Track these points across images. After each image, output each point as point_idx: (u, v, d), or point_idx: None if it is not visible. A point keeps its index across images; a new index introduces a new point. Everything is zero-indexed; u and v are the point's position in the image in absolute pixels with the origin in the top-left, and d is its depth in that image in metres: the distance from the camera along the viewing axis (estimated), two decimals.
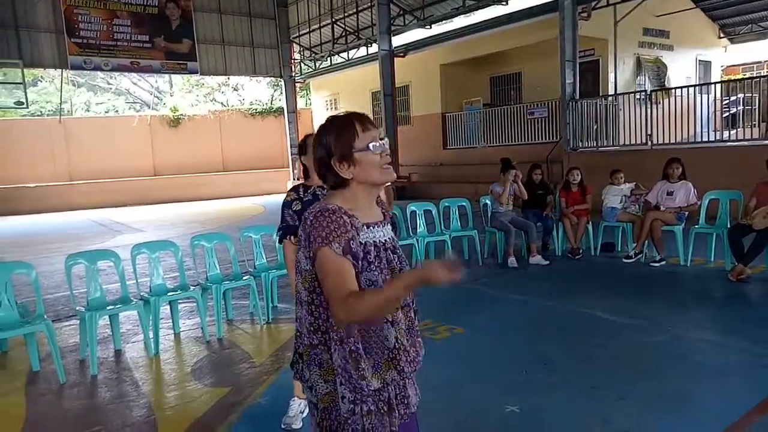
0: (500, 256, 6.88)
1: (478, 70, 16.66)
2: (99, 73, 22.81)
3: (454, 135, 16.67)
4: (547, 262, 6.57)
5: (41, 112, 25.59)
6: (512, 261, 6.50)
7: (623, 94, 12.04)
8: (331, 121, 1.54)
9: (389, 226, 1.61)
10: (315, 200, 2.95)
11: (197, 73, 19.10)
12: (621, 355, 3.82)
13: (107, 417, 3.25)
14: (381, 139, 1.52)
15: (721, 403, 3.02)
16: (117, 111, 28.70)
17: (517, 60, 15.50)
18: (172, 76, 25.16)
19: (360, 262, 1.46)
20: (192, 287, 4.73)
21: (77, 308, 4.18)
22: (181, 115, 21.97)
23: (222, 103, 29.11)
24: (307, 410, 3.15)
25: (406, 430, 1.59)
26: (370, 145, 1.49)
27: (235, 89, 30.82)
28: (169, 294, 4.58)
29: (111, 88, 30.48)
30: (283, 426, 3.08)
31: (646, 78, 14.37)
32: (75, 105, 27.45)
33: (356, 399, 1.47)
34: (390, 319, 1.51)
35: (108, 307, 4.24)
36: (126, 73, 23.60)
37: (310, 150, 2.95)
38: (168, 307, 4.77)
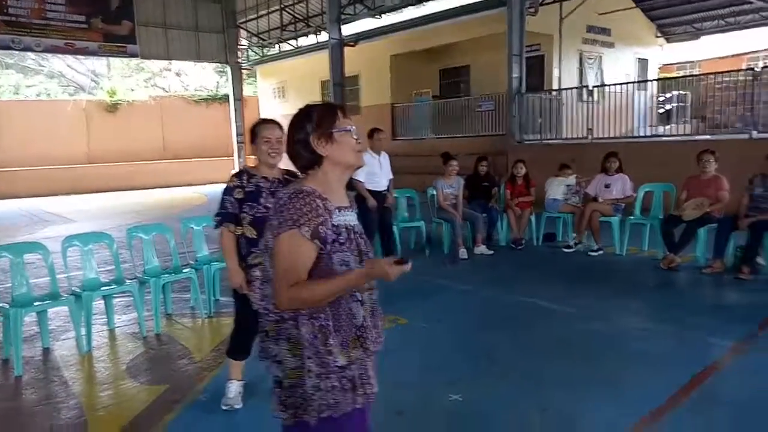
0: (447, 246, 6.96)
1: (427, 61, 16.74)
2: (30, 54, 21.49)
3: (403, 126, 16.71)
4: (492, 252, 6.68)
5: None
6: (462, 252, 6.56)
7: (567, 89, 12.39)
8: (314, 105, 1.63)
9: (355, 213, 1.67)
10: (258, 192, 2.87)
11: (137, 56, 18.26)
12: (560, 342, 3.93)
13: (33, 420, 3.08)
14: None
15: (650, 386, 3.15)
16: (50, 95, 27.15)
17: (466, 53, 15.67)
18: (111, 59, 24.01)
19: (331, 245, 1.51)
20: (128, 281, 4.53)
21: (0, 305, 3.92)
22: (120, 100, 21.03)
23: (164, 88, 28.05)
24: (243, 390, 3.10)
25: (363, 417, 1.63)
26: (350, 127, 1.61)
27: (177, 74, 29.75)
28: (102, 288, 4.36)
29: (43, 70, 28.78)
30: (224, 407, 3.04)
31: (585, 74, 14.83)
32: (2, 87, 25.78)
33: (321, 374, 1.51)
34: (359, 299, 1.57)
35: (35, 303, 4.00)
36: (60, 55, 22.30)
37: (259, 137, 2.88)
38: (102, 302, 4.56)
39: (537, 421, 2.86)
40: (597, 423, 2.81)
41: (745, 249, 5.25)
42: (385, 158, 6.33)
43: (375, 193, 6.13)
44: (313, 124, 1.57)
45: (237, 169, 2.99)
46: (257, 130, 2.90)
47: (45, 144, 18.66)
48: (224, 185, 2.94)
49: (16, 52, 17.96)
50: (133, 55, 18.14)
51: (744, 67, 15.74)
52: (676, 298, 4.97)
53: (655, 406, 2.91)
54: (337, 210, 1.54)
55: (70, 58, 25.97)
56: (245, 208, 2.86)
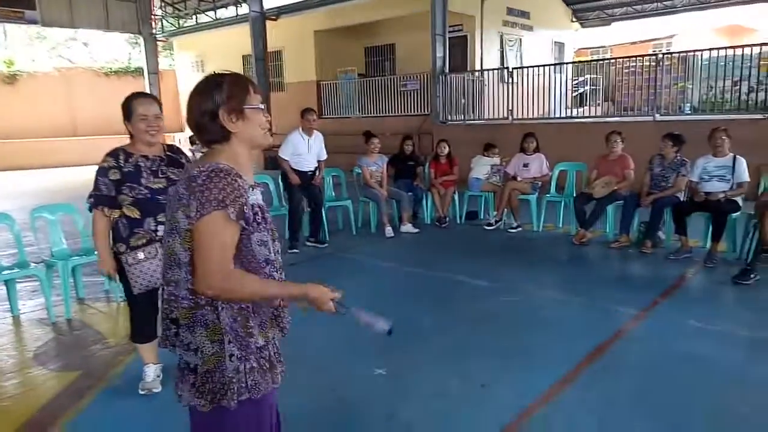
0: (373, 225, 7.01)
1: (353, 39, 16.57)
2: None
3: (329, 104, 16.52)
4: (417, 230, 6.80)
5: None
6: (389, 230, 6.62)
7: (488, 70, 12.70)
8: (222, 75, 1.52)
9: (260, 192, 1.61)
10: (137, 172, 2.72)
11: (37, 23, 16.72)
12: (481, 316, 4.09)
13: None
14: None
15: (561, 353, 3.36)
16: None
17: (391, 31, 15.65)
18: (7, 26, 21.92)
19: (251, 225, 1.46)
20: (34, 264, 4.23)
21: None
22: (19, 71, 19.33)
23: (69, 59, 26.05)
24: (161, 374, 3.01)
25: (274, 396, 1.62)
26: (261, 105, 1.53)
27: (85, 44, 27.72)
28: (4, 273, 4.05)
29: None
30: (142, 392, 2.96)
31: (506, 55, 15.28)
32: None
33: (242, 356, 1.47)
34: (276, 279, 1.54)
35: None
36: None
37: (135, 115, 2.71)
38: (4, 287, 4.23)
39: (457, 390, 2.98)
40: (514, 389, 2.96)
41: (647, 225, 5.66)
42: (316, 139, 6.26)
43: (301, 173, 6.06)
44: (223, 96, 1.47)
45: (112, 149, 2.77)
46: (132, 107, 2.72)
47: None
48: (98, 166, 2.74)
49: None
50: (32, 22, 16.58)
51: (650, 52, 16.83)
52: (587, 271, 5.30)
53: (566, 371, 3.11)
54: (250, 188, 1.49)
55: None
56: (124, 189, 2.70)
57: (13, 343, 3.80)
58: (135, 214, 2.72)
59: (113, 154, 2.75)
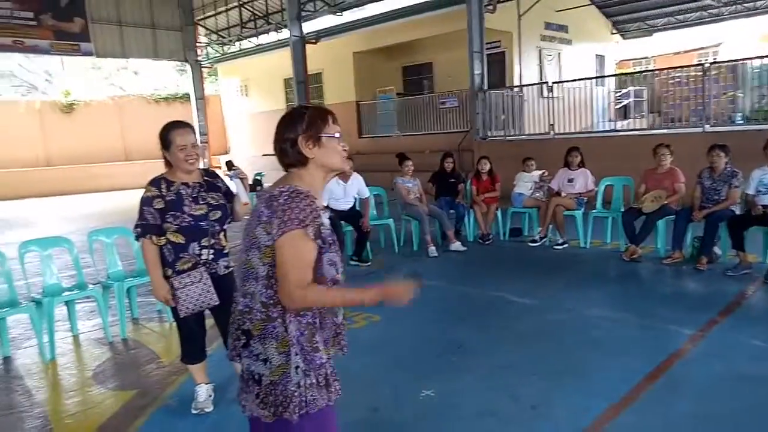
0: (416, 243, 7.00)
1: (390, 59, 16.77)
2: None
3: (368, 124, 16.71)
4: (465, 248, 6.70)
5: None
6: (432, 250, 6.56)
7: (527, 85, 12.61)
8: (306, 107, 1.68)
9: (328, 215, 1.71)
10: (179, 200, 2.78)
11: (92, 54, 17.65)
12: (528, 335, 4.01)
13: None
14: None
15: (617, 374, 3.25)
16: (0, 95, 26.04)
17: (428, 50, 15.76)
18: (65, 58, 23.16)
19: (326, 244, 1.57)
20: (91, 285, 4.41)
21: None
22: (76, 100, 20.35)
23: (122, 87, 27.26)
24: (213, 394, 3.07)
25: (334, 413, 1.67)
26: (337, 134, 1.66)
27: (135, 73, 28.97)
28: (64, 294, 4.23)
29: None
30: (194, 411, 3.01)
31: (545, 70, 15.13)
32: None
33: (306, 370, 1.55)
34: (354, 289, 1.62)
35: None
36: (8, 53, 21.39)
37: (174, 145, 2.78)
38: (65, 307, 4.42)
39: (509, 412, 2.92)
40: (567, 411, 2.88)
41: (702, 240, 5.46)
42: (353, 183, 6.42)
43: (339, 211, 6.20)
44: (303, 125, 1.61)
45: (153, 178, 2.86)
46: (170, 137, 2.78)
47: None
48: (142, 195, 2.81)
49: None
50: (87, 54, 17.53)
51: (695, 62, 16.37)
52: (639, 289, 5.13)
53: (622, 394, 3.01)
54: (321, 211, 1.59)
55: (21, 57, 24.94)
56: (168, 218, 2.76)
57: (74, 362, 3.95)
58: (179, 239, 2.79)
59: (155, 183, 2.81)
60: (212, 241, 2.84)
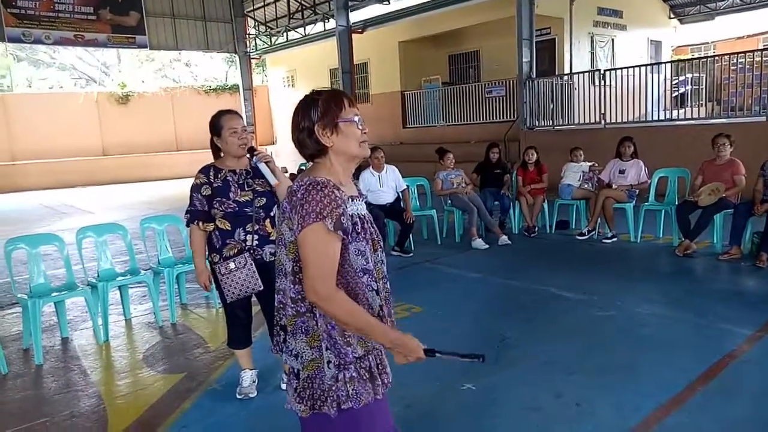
0: (458, 234, 6.94)
1: (436, 47, 16.59)
2: (41, 46, 21.60)
3: (413, 113, 16.61)
4: (510, 242, 6.56)
5: None
6: (479, 242, 6.46)
7: (578, 73, 12.22)
8: (320, 92, 1.58)
9: (364, 202, 1.64)
10: (226, 186, 2.85)
11: (146, 47, 18.27)
12: (574, 330, 3.91)
13: (54, 408, 3.12)
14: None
15: (667, 373, 3.13)
16: (62, 87, 27.32)
17: (475, 38, 15.50)
18: (120, 50, 24.05)
19: (350, 235, 1.50)
20: (143, 271, 4.58)
21: (19, 296, 3.98)
22: (131, 91, 21.12)
23: (174, 79, 28.10)
24: (257, 380, 3.13)
25: (385, 408, 1.63)
26: (355, 117, 1.57)
27: (187, 65, 29.79)
28: (118, 279, 4.41)
29: (55, 63, 28.95)
30: (239, 396, 3.08)
31: (597, 57, 14.63)
32: (15, 81, 25.96)
33: (340, 364, 1.50)
34: (375, 288, 1.57)
35: (53, 294, 4.05)
36: (70, 47, 22.38)
37: (226, 129, 2.85)
38: (118, 292, 4.61)
39: (552, 408, 2.86)
40: (613, 409, 2.80)
41: (762, 235, 5.17)
42: (389, 174, 6.36)
43: (380, 206, 6.17)
44: (318, 112, 1.54)
45: (203, 166, 2.95)
46: (221, 122, 2.86)
47: (59, 137, 18.85)
48: (192, 183, 2.90)
49: (27, 45, 18.04)
50: (141, 46, 18.15)
51: (760, 47, 15.43)
52: (693, 285, 4.92)
53: (672, 394, 2.89)
54: (350, 199, 1.53)
55: (80, 50, 26.09)
56: (215, 204, 2.84)
57: (125, 344, 4.12)
58: (226, 226, 2.86)
59: (204, 170, 2.91)
60: (257, 227, 2.89)
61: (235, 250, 2.86)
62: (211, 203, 2.85)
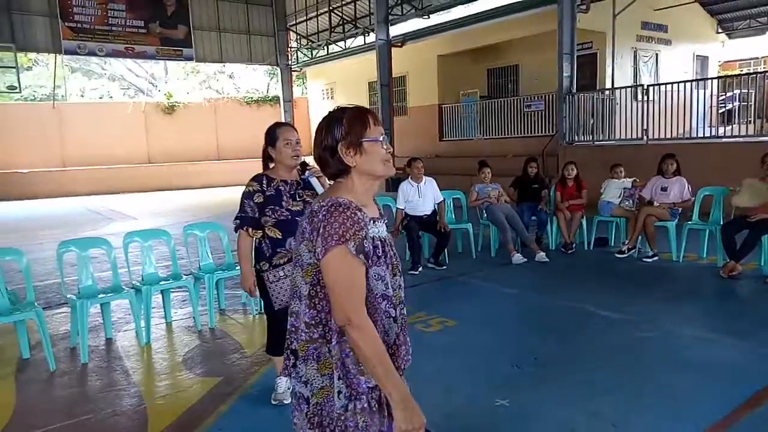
0: (493, 249, 6.89)
1: (475, 61, 16.59)
2: (93, 58, 22.58)
3: (450, 127, 16.62)
4: (547, 259, 6.44)
5: (34, 96, 25.33)
6: (518, 257, 6.38)
7: (620, 88, 12.02)
8: (344, 110, 1.54)
9: (385, 224, 1.60)
10: (279, 196, 2.93)
11: (192, 59, 18.92)
12: (611, 350, 3.83)
13: (97, 405, 3.25)
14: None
15: (709, 398, 3.04)
16: (111, 97, 28.44)
17: (514, 52, 15.45)
18: (167, 62, 24.93)
19: (370, 259, 1.46)
20: (184, 276, 4.72)
21: (68, 296, 4.16)
22: (176, 102, 21.82)
23: (217, 90, 28.91)
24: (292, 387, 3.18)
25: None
26: (380, 137, 1.53)
27: (230, 77, 30.61)
28: (161, 283, 4.56)
29: (105, 74, 30.20)
30: (274, 402, 3.14)
31: (640, 72, 14.35)
32: (69, 90, 27.18)
33: (351, 395, 1.45)
34: (393, 315, 1.52)
35: (99, 296, 4.22)
36: (120, 59, 23.32)
37: (281, 140, 2.94)
38: (160, 296, 4.75)
39: (586, 429, 2.81)
40: None
41: None
42: (427, 185, 6.38)
43: (418, 218, 6.18)
44: (342, 131, 1.50)
45: (255, 174, 3.05)
46: (278, 133, 2.96)
47: (107, 144, 19.60)
48: (243, 190, 2.99)
49: (82, 56, 18.90)
50: (188, 59, 18.81)
51: None
52: (737, 308, 4.76)
53: (713, 421, 2.81)
54: (371, 222, 1.49)
55: (129, 62, 27.15)
56: (267, 212, 2.92)
57: (166, 347, 4.25)
58: (277, 234, 2.94)
59: (257, 179, 3.00)
60: None
61: (285, 259, 2.94)
62: (263, 211, 2.93)
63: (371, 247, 1.46)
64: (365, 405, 1.46)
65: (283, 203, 2.93)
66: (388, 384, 1.42)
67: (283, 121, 21.81)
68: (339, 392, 1.45)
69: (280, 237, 2.94)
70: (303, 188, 3.01)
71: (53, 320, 4.82)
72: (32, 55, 22.60)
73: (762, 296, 5.01)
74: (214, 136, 21.88)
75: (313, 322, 1.48)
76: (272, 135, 2.99)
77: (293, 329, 1.53)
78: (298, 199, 2.97)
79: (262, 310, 4.90)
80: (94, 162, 19.14)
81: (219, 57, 19.48)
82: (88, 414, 3.13)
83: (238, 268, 4.86)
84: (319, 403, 1.47)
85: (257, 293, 3.04)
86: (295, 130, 3.04)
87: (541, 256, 6.46)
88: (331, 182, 1.61)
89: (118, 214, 12.91)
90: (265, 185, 2.96)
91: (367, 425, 1.46)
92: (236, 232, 3.01)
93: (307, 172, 2.96)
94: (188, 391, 3.40)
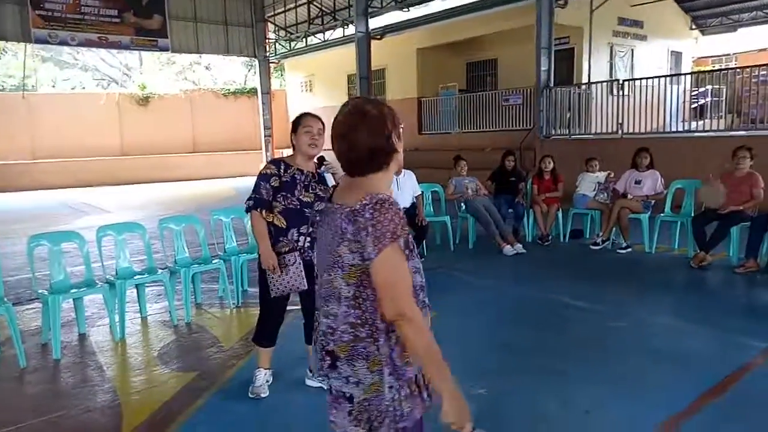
0: (471, 241, 6.94)
1: (454, 55, 16.62)
2: (65, 47, 22.05)
3: (429, 120, 16.64)
4: (525, 250, 6.52)
5: (3, 87, 24.63)
6: (509, 249, 6.43)
7: (596, 82, 12.18)
8: (380, 103, 1.52)
9: None
10: (293, 183, 2.92)
11: (168, 50, 18.54)
12: (585, 340, 3.90)
13: (70, 402, 3.19)
14: None
15: (679, 385, 3.12)
16: (84, 87, 27.82)
17: (493, 46, 15.51)
18: (142, 53, 24.45)
19: (409, 252, 1.49)
20: (160, 270, 4.65)
21: (39, 291, 4.07)
22: (151, 93, 21.43)
23: (194, 81, 28.48)
24: (271, 379, 3.18)
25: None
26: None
27: (207, 68, 30.16)
28: (135, 277, 4.49)
29: (78, 64, 29.51)
30: (251, 395, 3.12)
31: (616, 67, 14.55)
32: (40, 80, 26.49)
33: (399, 386, 1.49)
34: (428, 304, 1.58)
35: (72, 290, 4.14)
36: (93, 49, 22.80)
37: (302, 126, 2.93)
38: (135, 290, 4.69)
39: (560, 416, 2.86)
40: (622, 421, 2.79)
41: None
42: (406, 178, 6.33)
43: None
44: (389, 124, 1.49)
45: (273, 158, 3.05)
46: (300, 120, 2.96)
47: (80, 136, 19.18)
48: (259, 171, 2.98)
49: (53, 46, 18.44)
50: (163, 49, 18.44)
51: None
52: (707, 298, 4.88)
53: (682, 407, 2.88)
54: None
55: (103, 52, 26.56)
56: (279, 197, 2.92)
57: (141, 342, 4.19)
58: (282, 223, 2.94)
59: (275, 163, 2.99)
60: (311, 229, 2.96)
61: (287, 249, 2.94)
62: (276, 196, 2.92)
63: (409, 240, 1.49)
64: (408, 391, 1.51)
65: (296, 192, 2.93)
66: (439, 375, 1.44)
67: (255, 111, 21.62)
68: (390, 386, 1.47)
69: (284, 226, 2.94)
70: (317, 182, 3.00)
71: (24, 316, 4.72)
72: (1, 44, 21.94)
73: (730, 286, 5.15)
74: (191, 128, 21.55)
75: (359, 321, 1.48)
76: (296, 122, 2.98)
77: (329, 331, 1.52)
78: (310, 191, 2.97)
79: (240, 304, 4.91)
80: (66, 154, 18.72)
81: (195, 48, 19.13)
82: (60, 411, 3.08)
83: (215, 261, 4.88)
84: (368, 398, 1.48)
85: (279, 271, 2.94)
86: (319, 120, 3.00)
87: (519, 247, 6.53)
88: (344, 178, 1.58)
89: (91, 207, 12.66)
90: (282, 170, 2.95)
91: (412, 410, 1.51)
92: (248, 213, 2.98)
93: (323, 166, 2.95)
94: (164, 386, 3.37)
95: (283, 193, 2.92)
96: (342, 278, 1.47)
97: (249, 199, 2.95)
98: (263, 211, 2.93)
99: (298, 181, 2.94)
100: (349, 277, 1.46)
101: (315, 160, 3.00)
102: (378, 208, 1.40)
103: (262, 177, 2.94)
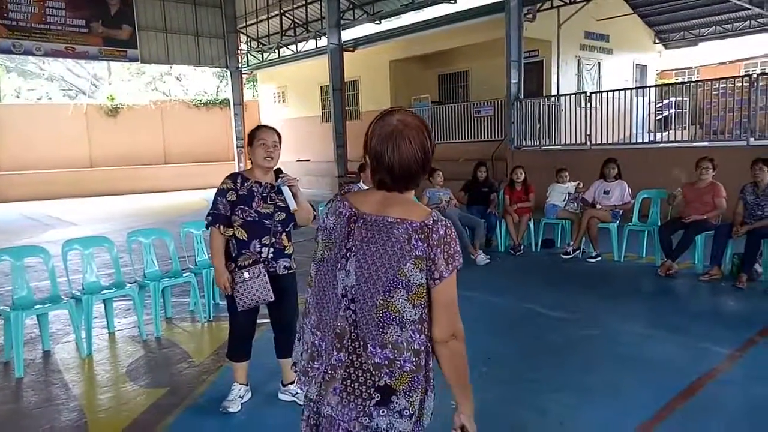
0: None
1: (426, 67, 16.80)
2: (30, 57, 21.54)
3: None
4: (488, 260, 6.56)
5: None
6: (482, 258, 6.47)
7: (565, 95, 12.44)
8: (415, 114, 1.47)
9: None
10: (251, 196, 2.92)
11: (138, 60, 18.29)
12: (558, 349, 3.95)
13: (34, 422, 3.08)
14: None
15: (648, 392, 3.17)
16: (50, 98, 27.19)
17: (465, 58, 15.73)
18: (111, 63, 24.05)
19: None
20: (128, 284, 4.55)
21: (1, 307, 3.94)
22: (120, 104, 21.07)
23: (164, 92, 28.11)
24: (248, 396, 3.12)
25: None
26: None
27: (178, 79, 29.83)
28: (103, 292, 4.38)
29: (44, 74, 28.85)
30: (220, 409, 3.07)
31: (584, 79, 14.90)
32: (3, 91, 25.81)
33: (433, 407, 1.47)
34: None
35: (36, 306, 4.01)
36: (60, 59, 22.35)
37: (256, 140, 2.92)
38: (102, 305, 4.57)
39: (535, 425, 2.88)
40: (595, 428, 2.83)
41: (742, 257, 5.28)
42: None
43: None
44: (430, 137, 1.46)
45: (231, 172, 3.06)
46: (255, 134, 2.97)
47: (46, 148, 18.68)
48: (217, 187, 2.98)
49: (17, 56, 18.00)
50: (133, 60, 18.17)
51: (741, 73, 15.81)
52: (674, 305, 4.99)
53: (652, 412, 2.93)
54: None
55: (70, 62, 26.05)
56: (237, 211, 2.92)
57: (109, 358, 4.08)
58: (243, 236, 2.93)
59: (232, 177, 2.99)
60: (273, 240, 2.95)
61: (250, 261, 2.92)
62: (234, 210, 2.91)
63: None
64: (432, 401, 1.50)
65: (254, 204, 2.92)
66: (467, 395, 1.46)
67: (228, 123, 21.37)
68: (431, 413, 1.45)
69: (245, 239, 2.92)
70: (277, 192, 2.99)
71: None
72: None
73: (696, 293, 5.29)
74: (161, 139, 21.21)
75: (422, 347, 1.39)
76: (251, 135, 2.98)
77: (385, 363, 1.36)
78: (269, 202, 2.96)
79: (211, 318, 4.83)
80: (32, 166, 18.21)
81: (166, 58, 18.91)
82: (23, 431, 2.97)
83: (185, 275, 4.80)
84: (413, 430, 1.42)
85: (231, 290, 2.93)
86: (274, 133, 3.01)
87: (481, 257, 6.50)
88: (362, 188, 1.54)
89: (57, 220, 12.33)
90: (239, 184, 2.94)
91: (431, 411, 1.50)
92: (207, 228, 2.97)
93: (279, 179, 2.93)
94: (132, 404, 3.28)
95: (241, 207, 2.91)
96: (406, 300, 1.35)
97: (208, 215, 2.95)
98: (221, 227, 2.92)
99: (256, 194, 2.94)
100: (416, 297, 1.36)
101: (274, 173, 2.99)
102: (449, 225, 1.39)
103: (219, 192, 2.94)
